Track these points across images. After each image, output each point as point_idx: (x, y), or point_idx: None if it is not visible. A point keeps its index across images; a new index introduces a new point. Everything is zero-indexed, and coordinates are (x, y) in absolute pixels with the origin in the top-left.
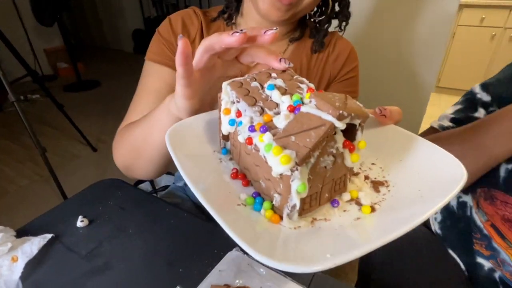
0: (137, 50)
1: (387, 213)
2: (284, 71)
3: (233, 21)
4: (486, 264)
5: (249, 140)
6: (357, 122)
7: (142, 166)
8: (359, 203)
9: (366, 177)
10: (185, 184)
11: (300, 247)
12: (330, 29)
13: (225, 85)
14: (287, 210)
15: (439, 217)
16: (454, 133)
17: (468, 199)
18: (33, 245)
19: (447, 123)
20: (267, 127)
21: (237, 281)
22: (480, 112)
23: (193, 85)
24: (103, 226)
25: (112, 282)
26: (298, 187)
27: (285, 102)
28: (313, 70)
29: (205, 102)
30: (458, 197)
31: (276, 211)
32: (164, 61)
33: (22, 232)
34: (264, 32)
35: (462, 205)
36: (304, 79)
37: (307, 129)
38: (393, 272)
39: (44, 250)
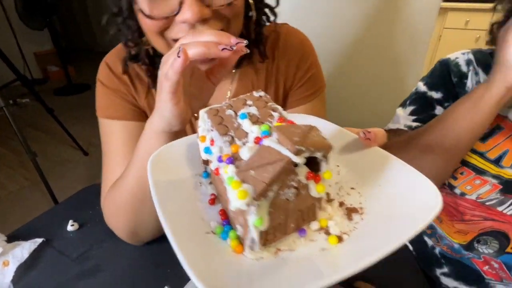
0: None
1: (354, 244)
2: (260, 98)
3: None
4: (429, 242)
5: (217, 171)
6: (318, 155)
7: (148, 221)
8: (328, 233)
9: (341, 204)
10: None
11: (255, 281)
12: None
13: (202, 112)
14: (248, 242)
15: None
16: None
17: None
18: (24, 249)
19: (414, 123)
20: (233, 158)
21: None
22: (439, 110)
23: (178, 89)
24: (93, 230)
25: (102, 283)
26: (254, 221)
27: (253, 132)
28: (266, 83)
29: (194, 107)
30: None
31: (241, 241)
32: (118, 114)
33: (13, 237)
34: (222, 49)
35: None
36: (278, 107)
37: (266, 164)
38: None
39: (35, 254)
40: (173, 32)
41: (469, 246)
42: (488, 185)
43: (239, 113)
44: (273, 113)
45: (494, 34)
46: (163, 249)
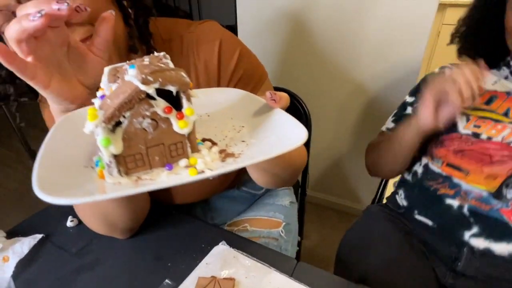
0: None
1: (208, 172)
2: (158, 56)
3: None
4: (454, 203)
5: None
6: (173, 89)
7: (112, 215)
8: (194, 168)
9: (222, 151)
10: None
11: (86, 188)
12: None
13: (106, 69)
14: (106, 167)
15: (401, 193)
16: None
17: (419, 168)
18: (24, 245)
19: (391, 125)
20: (105, 96)
21: (223, 272)
22: (409, 110)
23: (37, 73)
24: None
25: (102, 277)
26: (101, 141)
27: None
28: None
29: (88, 84)
30: (420, 165)
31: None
32: None
33: (13, 233)
34: (58, 9)
35: (414, 174)
36: (169, 62)
37: (119, 93)
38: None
39: (35, 250)
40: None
41: (498, 193)
42: (509, 128)
43: (131, 64)
44: (161, 65)
45: (458, 29)
46: (163, 243)
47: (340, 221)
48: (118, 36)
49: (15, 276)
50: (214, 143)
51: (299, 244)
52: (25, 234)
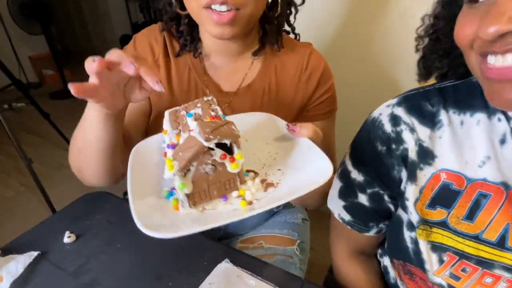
0: None
1: (259, 204)
2: (207, 101)
3: (199, 50)
4: None
5: (165, 154)
6: (228, 141)
7: (89, 168)
8: (243, 199)
9: (263, 180)
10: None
11: (178, 224)
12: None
13: (166, 113)
14: (180, 202)
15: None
16: None
17: (388, 264)
18: (19, 263)
19: (347, 216)
20: (175, 145)
21: None
22: (362, 198)
23: (98, 94)
24: (90, 241)
25: None
26: (178, 185)
27: (191, 126)
28: (284, 89)
29: (121, 95)
30: (383, 260)
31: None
32: None
33: (7, 250)
34: (156, 82)
35: (385, 270)
36: (217, 108)
37: (188, 147)
38: None
39: (30, 268)
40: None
41: None
42: (503, 282)
43: (188, 112)
44: (211, 112)
45: (420, 66)
46: (164, 261)
47: None
48: (256, 16)
49: None
50: (256, 173)
51: None
52: (21, 251)
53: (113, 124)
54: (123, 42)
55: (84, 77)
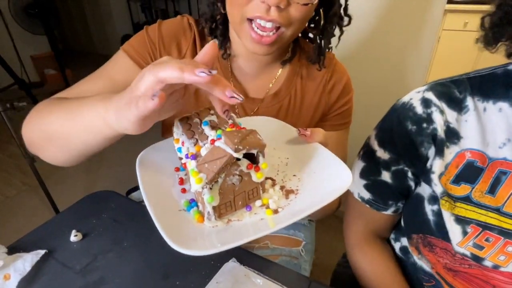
0: None
1: (285, 213)
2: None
3: (228, 52)
4: None
5: (184, 165)
6: (254, 151)
7: (52, 153)
8: (268, 208)
9: (282, 187)
10: None
11: (211, 237)
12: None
13: (176, 121)
14: (206, 214)
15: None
16: None
17: (406, 244)
18: (26, 262)
19: (366, 195)
20: (195, 155)
21: None
22: (385, 175)
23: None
24: (97, 240)
25: None
26: (207, 199)
27: (211, 135)
28: (309, 97)
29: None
30: (399, 243)
31: (201, 214)
32: (137, 58)
33: (14, 249)
34: (230, 96)
35: (404, 250)
36: (233, 115)
37: (215, 159)
38: None
39: (37, 267)
40: (249, 9)
41: None
42: None
43: (203, 120)
44: (229, 120)
45: (485, 29)
46: (171, 260)
47: None
48: (295, 36)
49: None
50: (273, 180)
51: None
52: (27, 249)
53: (113, 140)
54: (125, 41)
55: (85, 76)
